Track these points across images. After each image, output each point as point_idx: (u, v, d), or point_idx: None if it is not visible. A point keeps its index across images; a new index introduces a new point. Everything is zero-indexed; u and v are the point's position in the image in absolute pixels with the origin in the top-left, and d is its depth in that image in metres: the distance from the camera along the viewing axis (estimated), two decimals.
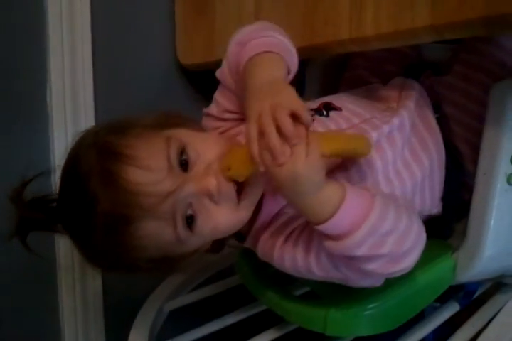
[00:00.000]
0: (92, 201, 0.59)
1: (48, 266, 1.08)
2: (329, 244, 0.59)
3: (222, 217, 0.63)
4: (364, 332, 0.73)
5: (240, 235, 0.72)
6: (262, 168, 0.55)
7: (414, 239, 0.60)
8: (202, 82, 1.18)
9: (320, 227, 0.58)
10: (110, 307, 1.15)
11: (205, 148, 0.64)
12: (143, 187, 0.59)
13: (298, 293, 0.88)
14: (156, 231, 0.61)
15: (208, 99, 0.78)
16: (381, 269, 0.60)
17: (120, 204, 0.58)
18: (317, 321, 0.72)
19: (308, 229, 0.66)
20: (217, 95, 0.74)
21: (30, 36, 1.04)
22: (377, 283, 0.65)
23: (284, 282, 0.83)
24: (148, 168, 0.60)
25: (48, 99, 1.06)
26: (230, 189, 0.62)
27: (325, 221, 0.57)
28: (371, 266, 0.59)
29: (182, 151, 0.62)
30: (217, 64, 1.01)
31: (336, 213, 0.57)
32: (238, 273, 0.92)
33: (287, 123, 0.53)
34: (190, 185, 0.61)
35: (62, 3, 1.04)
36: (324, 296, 0.77)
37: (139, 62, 1.15)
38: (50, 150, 1.06)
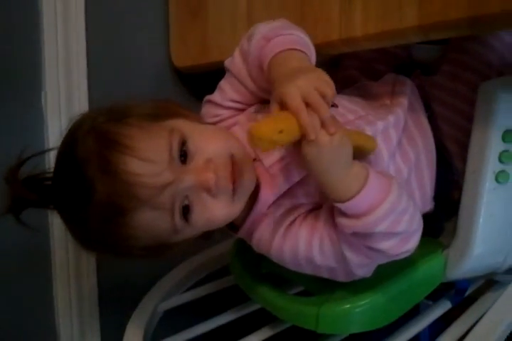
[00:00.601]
0: (88, 189, 0.59)
1: (42, 264, 1.09)
2: (349, 222, 0.60)
3: (218, 211, 0.64)
4: (355, 329, 0.74)
5: (233, 225, 0.72)
6: (312, 137, 0.55)
7: (419, 221, 0.65)
8: (196, 84, 1.19)
9: (346, 205, 0.59)
10: (105, 307, 1.16)
11: (205, 140, 0.65)
12: (141, 178, 0.59)
13: (291, 292, 0.89)
14: (153, 222, 0.62)
15: (201, 102, 0.79)
16: (393, 249, 0.63)
17: (117, 195, 0.59)
18: (309, 318, 0.73)
19: (310, 217, 0.67)
20: (223, 83, 0.74)
21: (26, 40, 1.05)
22: (369, 272, 0.68)
23: (277, 281, 0.84)
24: (147, 159, 0.60)
25: (42, 101, 1.07)
26: (227, 184, 0.63)
27: (351, 198, 0.59)
28: (385, 245, 0.62)
29: (183, 143, 0.63)
30: (211, 66, 1.03)
31: (361, 190, 0.59)
32: (232, 273, 0.92)
33: (332, 96, 0.56)
34: (189, 177, 0.62)
35: (57, 4, 1.05)
36: (316, 294, 0.78)
37: (133, 64, 1.16)
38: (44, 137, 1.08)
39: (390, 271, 0.72)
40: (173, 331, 0.92)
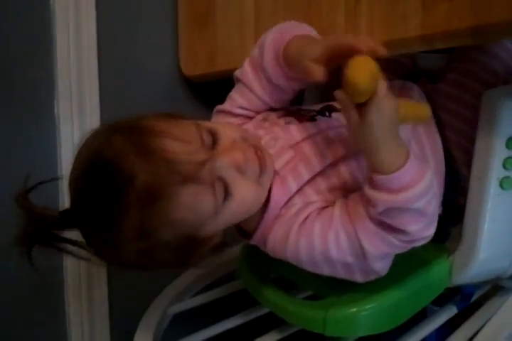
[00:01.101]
0: (128, 178, 0.59)
1: (54, 270, 1.10)
2: (389, 197, 0.61)
3: (248, 190, 0.66)
4: (362, 332, 0.75)
5: (245, 233, 0.74)
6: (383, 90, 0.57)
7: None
8: (205, 92, 1.20)
9: (392, 176, 0.60)
10: (116, 310, 1.17)
11: (226, 129, 0.68)
12: (180, 156, 0.60)
13: (299, 296, 0.90)
14: (196, 198, 0.62)
15: (211, 110, 0.81)
16: (418, 232, 0.64)
17: (159, 174, 0.59)
18: (316, 322, 0.74)
19: (323, 213, 0.68)
20: (233, 93, 0.78)
21: (39, 50, 1.07)
22: (386, 268, 0.68)
23: (285, 286, 0.85)
24: (183, 140, 0.62)
25: (55, 110, 1.09)
26: (254, 161, 0.66)
27: (398, 169, 0.60)
28: (413, 227, 0.63)
29: (211, 132, 0.66)
30: (220, 74, 1.04)
31: (407, 161, 0.60)
32: (239, 278, 0.93)
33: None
34: (221, 157, 0.64)
35: (69, 15, 1.07)
36: (324, 298, 0.79)
37: (144, 73, 1.18)
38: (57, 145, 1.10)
39: (396, 275, 0.73)
40: (182, 334, 0.93)
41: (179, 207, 0.61)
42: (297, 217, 0.69)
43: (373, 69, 0.56)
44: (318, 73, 0.62)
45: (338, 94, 0.60)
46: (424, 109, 0.67)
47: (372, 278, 0.69)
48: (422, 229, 0.65)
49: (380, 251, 0.65)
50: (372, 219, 0.64)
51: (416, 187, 0.61)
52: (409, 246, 0.67)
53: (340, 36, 0.64)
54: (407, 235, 0.64)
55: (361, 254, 0.66)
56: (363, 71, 0.56)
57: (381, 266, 0.68)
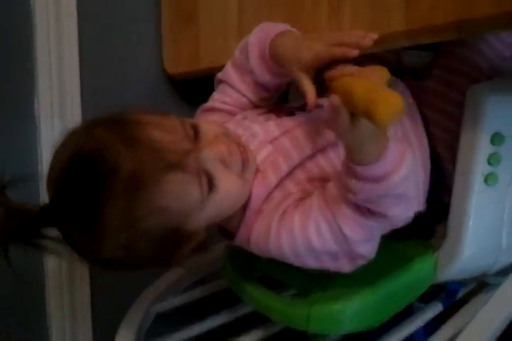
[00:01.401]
0: (113, 167, 0.59)
1: (35, 271, 1.09)
2: (372, 186, 0.61)
3: (232, 182, 0.66)
4: (347, 330, 0.74)
5: (228, 233, 0.73)
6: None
7: None
8: (189, 91, 1.20)
9: (375, 165, 0.59)
10: (98, 309, 1.16)
11: (210, 125, 0.69)
12: (166, 144, 0.61)
13: (283, 294, 0.89)
14: (181, 186, 0.62)
15: (194, 108, 0.81)
16: (399, 215, 0.65)
17: (145, 161, 0.59)
18: (300, 318, 0.74)
19: (302, 205, 0.68)
20: (216, 93, 0.80)
21: (19, 49, 1.06)
22: (372, 251, 0.68)
23: (270, 284, 0.84)
24: (168, 130, 0.63)
25: (35, 110, 1.08)
26: (237, 155, 0.67)
27: (381, 156, 0.59)
28: (395, 211, 0.64)
29: (193, 127, 0.66)
30: (203, 72, 1.04)
31: (389, 147, 0.60)
32: (224, 276, 0.93)
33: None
34: (206, 149, 0.64)
35: (49, 13, 1.06)
36: (308, 295, 0.78)
37: (127, 72, 1.17)
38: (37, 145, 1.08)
39: (381, 272, 0.73)
40: (166, 332, 0.92)
41: (164, 194, 0.61)
42: (277, 210, 0.69)
43: (401, 111, 0.54)
44: (311, 95, 0.67)
45: (335, 100, 0.58)
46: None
47: (360, 263, 0.68)
48: (403, 211, 0.65)
49: (361, 236, 0.65)
50: (349, 204, 0.64)
51: (399, 171, 0.60)
52: (389, 228, 0.67)
53: (329, 47, 0.65)
54: (388, 218, 0.64)
55: (343, 240, 0.65)
56: (392, 114, 0.54)
57: (366, 249, 0.68)
